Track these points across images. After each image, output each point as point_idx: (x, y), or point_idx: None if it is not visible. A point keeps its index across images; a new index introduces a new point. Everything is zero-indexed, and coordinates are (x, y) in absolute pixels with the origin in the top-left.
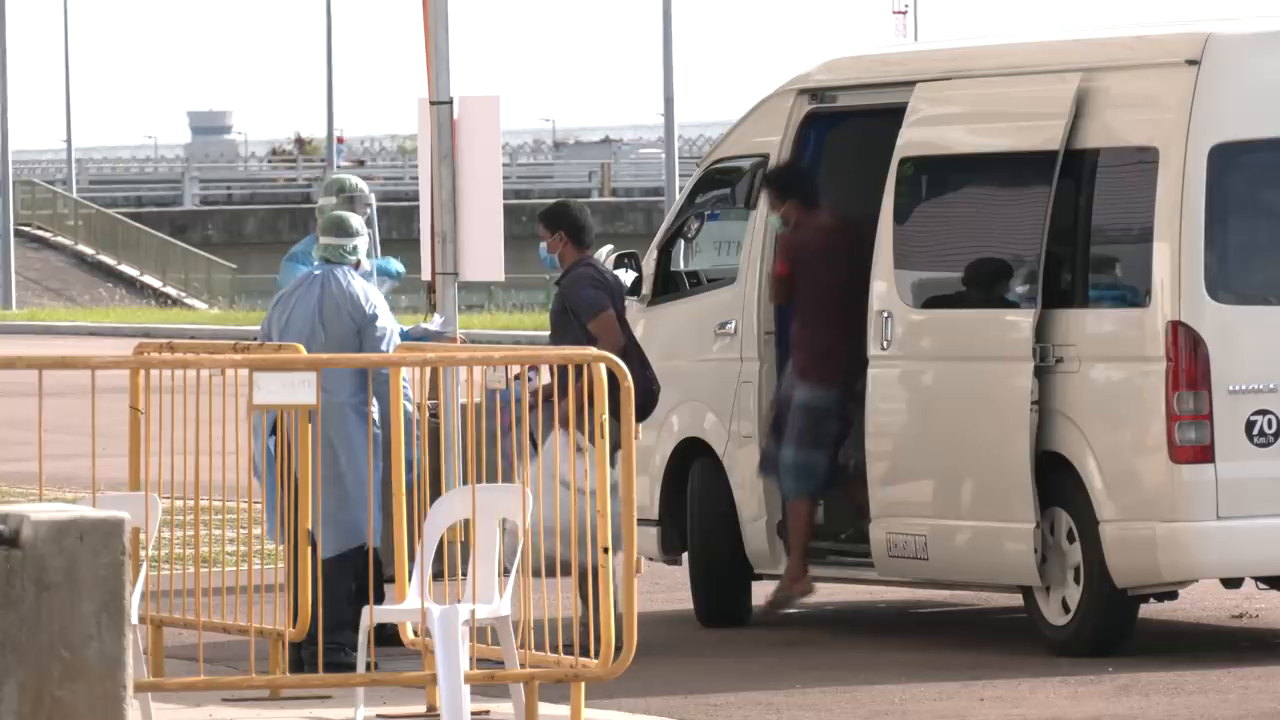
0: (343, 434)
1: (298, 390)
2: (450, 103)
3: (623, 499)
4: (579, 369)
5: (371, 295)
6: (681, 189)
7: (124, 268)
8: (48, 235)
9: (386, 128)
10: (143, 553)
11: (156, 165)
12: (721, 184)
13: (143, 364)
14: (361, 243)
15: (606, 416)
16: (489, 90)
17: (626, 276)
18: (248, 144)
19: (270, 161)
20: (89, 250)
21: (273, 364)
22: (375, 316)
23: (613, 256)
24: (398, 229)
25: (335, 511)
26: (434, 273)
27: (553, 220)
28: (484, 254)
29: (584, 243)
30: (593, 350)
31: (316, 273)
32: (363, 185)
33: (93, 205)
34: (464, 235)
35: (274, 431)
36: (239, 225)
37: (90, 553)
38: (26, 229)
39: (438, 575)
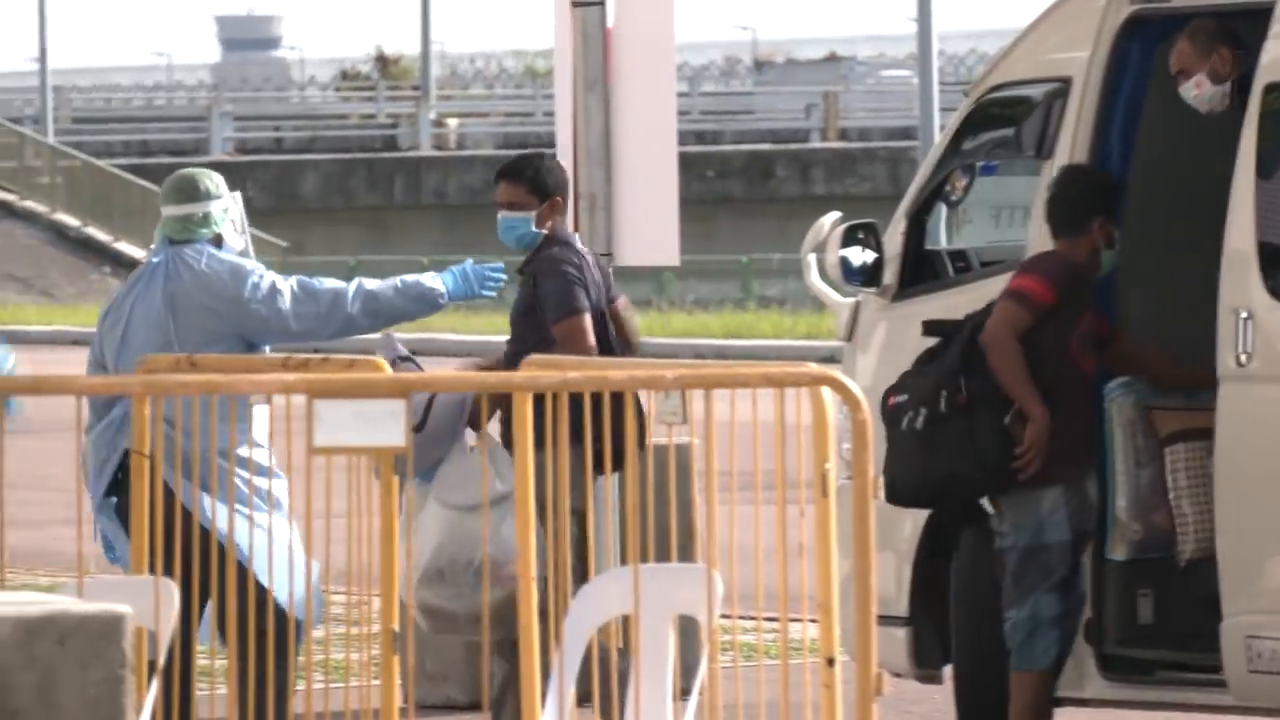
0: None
1: (379, 426)
2: (602, 3)
3: (856, 586)
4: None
5: (241, 271)
6: (943, 129)
7: (122, 245)
8: (12, 199)
9: (507, 40)
10: (151, 663)
11: (171, 95)
12: (1001, 122)
13: (150, 387)
14: (219, 208)
15: (833, 462)
16: None
17: (862, 257)
18: (304, 65)
19: (339, 90)
20: (72, 220)
21: (341, 387)
22: (250, 293)
23: (840, 229)
24: None
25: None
26: None
27: (518, 173)
28: (651, 227)
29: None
30: (811, 368)
31: (155, 260)
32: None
33: (78, 154)
34: (622, 199)
35: (114, 489)
36: (291, 183)
37: (75, 664)
38: None
39: (584, 699)
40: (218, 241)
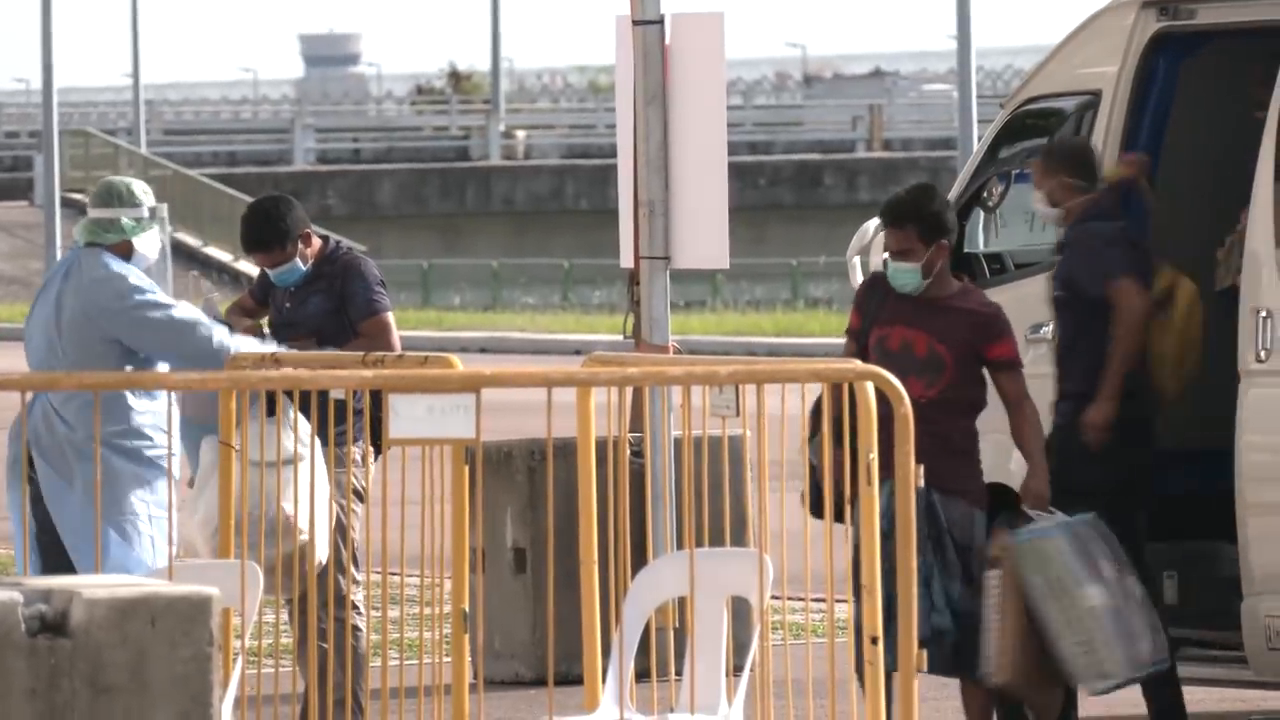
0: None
1: (450, 419)
2: (660, 22)
3: (899, 569)
4: (836, 389)
5: (133, 281)
6: (980, 139)
7: (210, 250)
8: None
9: (572, 57)
10: (237, 643)
11: (256, 109)
12: (1035, 132)
13: (237, 383)
14: (134, 215)
15: (875, 455)
16: (712, 5)
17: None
18: (382, 80)
19: (414, 104)
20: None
21: (416, 383)
22: (136, 305)
23: (882, 234)
24: (587, 196)
25: None
26: (636, 257)
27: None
28: (705, 232)
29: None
30: (857, 364)
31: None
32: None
33: (168, 164)
34: (678, 206)
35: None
36: (370, 192)
37: (165, 643)
38: (78, 197)
39: (642, 675)
40: (124, 248)
